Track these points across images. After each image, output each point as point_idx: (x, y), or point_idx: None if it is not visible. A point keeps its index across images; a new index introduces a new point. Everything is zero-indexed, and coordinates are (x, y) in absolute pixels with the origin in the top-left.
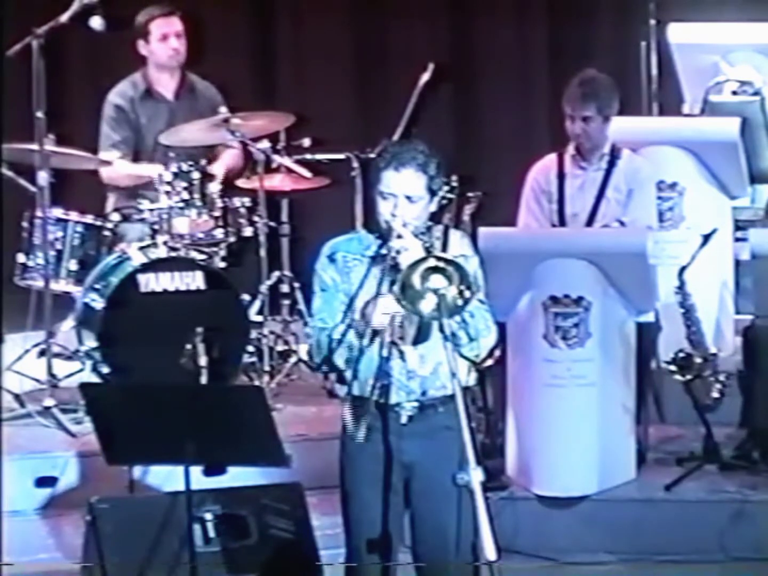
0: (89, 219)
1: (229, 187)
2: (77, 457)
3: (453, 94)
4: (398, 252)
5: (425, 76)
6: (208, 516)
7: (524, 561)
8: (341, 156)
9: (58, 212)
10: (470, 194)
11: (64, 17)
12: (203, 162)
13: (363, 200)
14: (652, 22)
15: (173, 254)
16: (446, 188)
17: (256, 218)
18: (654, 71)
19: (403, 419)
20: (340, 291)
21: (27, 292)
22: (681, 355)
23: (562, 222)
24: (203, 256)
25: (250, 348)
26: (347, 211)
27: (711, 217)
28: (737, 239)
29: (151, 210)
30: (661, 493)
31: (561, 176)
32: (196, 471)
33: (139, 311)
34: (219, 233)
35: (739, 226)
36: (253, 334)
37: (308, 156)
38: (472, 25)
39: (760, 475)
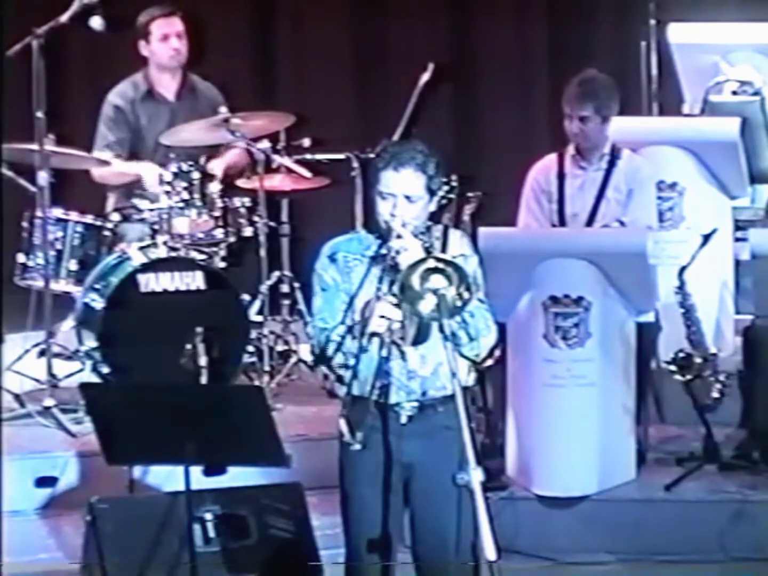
0: (89, 219)
1: (229, 187)
2: (77, 457)
3: (453, 94)
4: (398, 252)
5: (425, 76)
6: (208, 516)
7: (524, 561)
8: (341, 156)
9: (58, 212)
10: (470, 194)
11: (64, 17)
12: (203, 161)
13: (363, 200)
14: (652, 22)
15: (173, 254)
16: (446, 188)
17: (256, 218)
18: (654, 71)
19: (403, 419)
20: (341, 291)
21: (27, 292)
22: (681, 355)
23: (562, 222)
24: (203, 256)
25: (250, 348)
26: (347, 211)
27: (711, 217)
28: (737, 239)
29: (151, 210)
30: (661, 493)
31: (561, 176)
32: (196, 471)
33: (139, 311)
34: (219, 233)
35: (739, 226)
36: (253, 334)
37: (308, 156)
38: (472, 25)
39: (760, 475)
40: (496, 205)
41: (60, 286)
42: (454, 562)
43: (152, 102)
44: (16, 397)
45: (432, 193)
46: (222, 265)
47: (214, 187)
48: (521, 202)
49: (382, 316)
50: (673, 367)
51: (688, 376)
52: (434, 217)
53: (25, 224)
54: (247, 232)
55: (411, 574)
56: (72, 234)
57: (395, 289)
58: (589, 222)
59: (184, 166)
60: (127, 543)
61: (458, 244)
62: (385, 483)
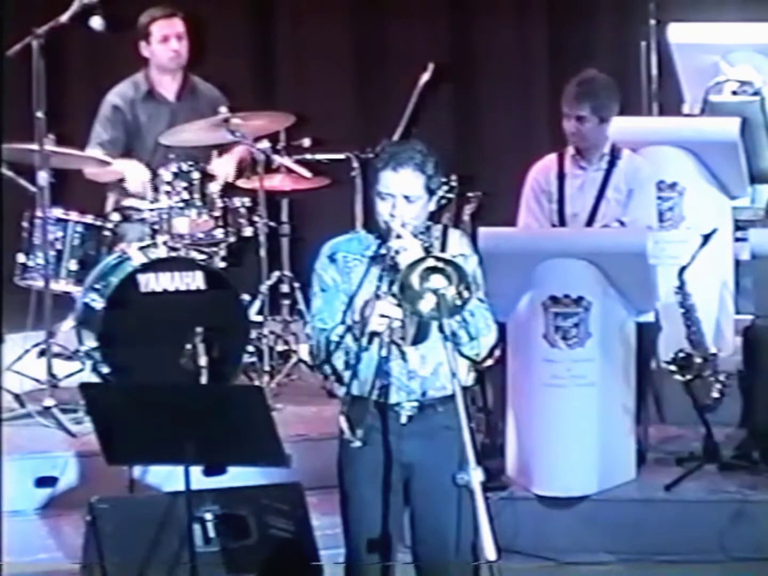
0: (89, 219)
1: (229, 187)
2: (77, 457)
3: (453, 94)
4: (397, 252)
5: (425, 76)
6: (208, 516)
7: (524, 561)
8: (341, 156)
9: (58, 212)
10: (470, 194)
11: (64, 17)
12: (215, 155)
13: (363, 200)
14: (652, 22)
15: (173, 254)
16: (445, 188)
17: (256, 218)
18: (654, 71)
19: (403, 419)
20: (341, 291)
21: (27, 292)
22: (681, 355)
23: (562, 222)
24: (203, 256)
25: (250, 348)
26: (347, 211)
27: (711, 217)
28: (737, 239)
29: (151, 210)
30: (661, 493)
31: (561, 176)
32: (196, 471)
33: (139, 311)
34: (219, 233)
35: (739, 226)
36: (253, 334)
37: (308, 156)
38: (472, 25)
39: (760, 475)
40: (496, 205)
41: (60, 286)
42: (454, 562)
43: (153, 102)
44: (16, 397)
45: (431, 192)
46: (222, 265)
47: (214, 187)
48: (521, 202)
49: (382, 315)
50: (673, 367)
51: (688, 376)
52: (434, 217)
53: (25, 224)
54: (247, 232)
55: (411, 574)
56: (72, 234)
57: (395, 288)
58: (589, 222)
59: (184, 166)
60: (127, 543)
61: (458, 243)
62: (384, 483)
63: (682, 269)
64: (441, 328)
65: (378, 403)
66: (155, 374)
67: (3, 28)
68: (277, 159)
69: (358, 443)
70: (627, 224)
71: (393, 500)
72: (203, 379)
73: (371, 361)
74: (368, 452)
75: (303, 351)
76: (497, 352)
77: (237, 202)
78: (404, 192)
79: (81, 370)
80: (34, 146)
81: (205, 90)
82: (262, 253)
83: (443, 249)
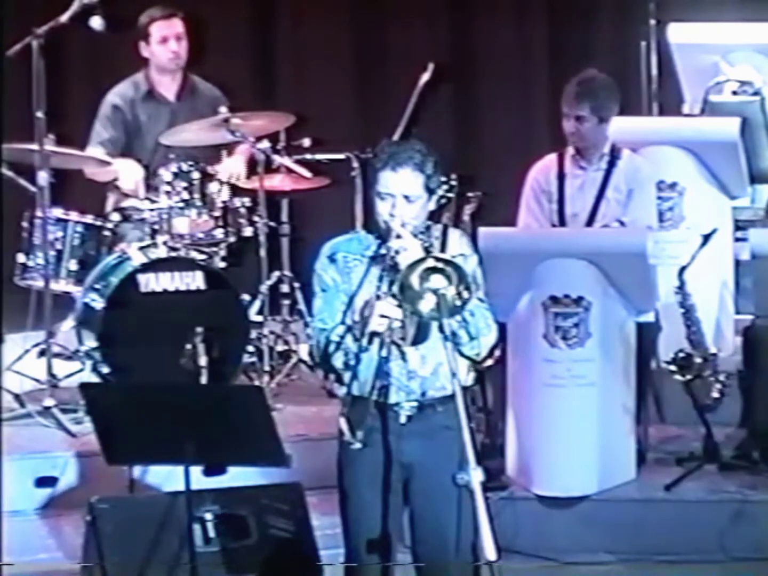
0: (89, 219)
1: (235, 187)
2: (77, 457)
3: (453, 94)
4: (397, 252)
5: (425, 76)
6: (208, 516)
7: (524, 561)
8: (341, 156)
9: (58, 212)
10: (470, 194)
11: (64, 17)
12: (224, 155)
13: (363, 200)
14: (652, 22)
15: (173, 254)
16: (445, 187)
17: (256, 218)
18: (654, 71)
19: (402, 419)
20: (341, 291)
21: (27, 292)
22: (681, 355)
23: (562, 222)
24: (203, 256)
25: (250, 348)
26: (347, 211)
27: (711, 217)
28: (737, 239)
29: (151, 210)
30: (661, 493)
31: (561, 176)
32: (196, 471)
33: (139, 311)
34: (219, 233)
35: (739, 226)
36: (253, 334)
37: (308, 156)
38: (472, 25)
39: (760, 475)
40: (496, 205)
41: (60, 286)
42: (454, 562)
43: (153, 102)
44: (16, 397)
45: (431, 192)
46: (222, 265)
47: (214, 187)
48: (521, 202)
49: (382, 315)
50: (673, 367)
51: (688, 376)
52: (434, 217)
53: (25, 224)
54: (247, 232)
55: (411, 574)
56: (72, 234)
57: (395, 289)
58: (589, 222)
59: (184, 166)
60: (127, 543)
61: (458, 243)
62: (384, 483)
63: (682, 269)
64: (441, 329)
65: (378, 403)
66: (155, 374)
67: (3, 28)
68: (277, 159)
69: (358, 445)
70: (627, 224)
71: (393, 500)
72: (203, 379)
73: (371, 361)
74: (368, 453)
75: (303, 351)
76: (497, 352)
77: (237, 202)
78: (404, 192)
79: (81, 370)
80: (34, 146)
81: (205, 90)
82: (262, 253)
83: (443, 249)
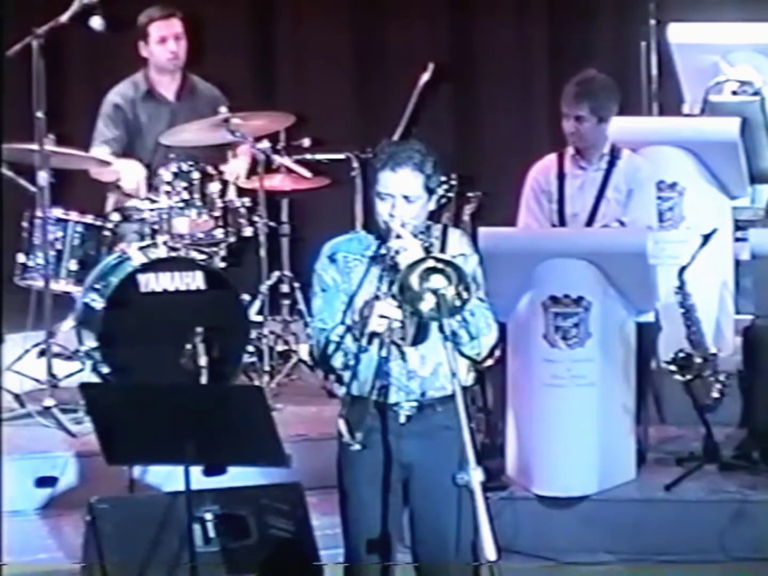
0: (89, 219)
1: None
2: (77, 457)
3: (453, 94)
4: (397, 252)
5: (425, 76)
6: (208, 516)
7: (524, 561)
8: (341, 156)
9: (58, 212)
10: (470, 194)
11: (64, 17)
12: (230, 155)
13: (363, 200)
14: (652, 22)
15: (173, 254)
16: (445, 186)
17: (256, 218)
18: (654, 71)
19: (402, 419)
20: (341, 291)
21: (27, 292)
22: (681, 355)
23: (562, 222)
24: (203, 256)
25: (250, 348)
26: (347, 211)
27: (711, 217)
28: (737, 239)
29: (151, 210)
30: (661, 493)
31: (561, 176)
32: (196, 471)
33: (139, 311)
34: (219, 233)
35: (739, 226)
36: (253, 334)
37: (308, 156)
38: (472, 25)
39: (760, 475)
40: (496, 205)
41: (60, 286)
42: (454, 562)
43: (152, 102)
44: (16, 397)
45: (430, 192)
46: (222, 265)
47: (215, 187)
48: (521, 202)
49: (382, 316)
50: (673, 367)
51: (688, 376)
52: (434, 216)
53: (25, 224)
54: (247, 232)
55: (411, 574)
56: (72, 234)
57: (395, 289)
58: (589, 222)
59: (184, 166)
60: (127, 543)
61: (458, 243)
62: (384, 483)
63: (682, 269)
64: (441, 329)
65: (377, 403)
66: (155, 374)
67: (3, 28)
68: (277, 159)
69: (357, 446)
70: (627, 224)
71: (392, 500)
72: (203, 379)
73: (371, 361)
74: (368, 453)
75: (303, 351)
76: (497, 352)
77: (237, 202)
78: (403, 192)
79: (81, 370)
80: (34, 146)
81: (205, 90)
82: (262, 253)
83: (443, 248)
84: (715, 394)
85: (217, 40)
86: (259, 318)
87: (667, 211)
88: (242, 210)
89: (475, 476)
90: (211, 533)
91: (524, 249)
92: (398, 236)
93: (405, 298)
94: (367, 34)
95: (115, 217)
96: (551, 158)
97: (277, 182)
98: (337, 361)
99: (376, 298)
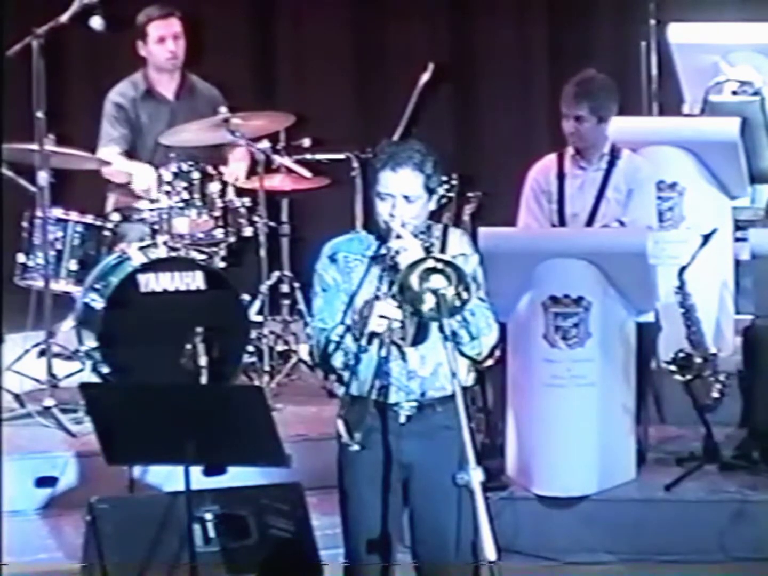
0: (89, 219)
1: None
2: (77, 457)
3: (453, 94)
4: (397, 252)
5: (425, 76)
6: (208, 516)
7: (524, 561)
8: (341, 156)
9: (58, 212)
10: (470, 194)
11: (64, 17)
12: (230, 158)
13: (363, 200)
14: (652, 22)
15: (173, 254)
16: (445, 186)
17: (256, 218)
18: (654, 71)
19: (402, 419)
20: (341, 291)
21: (27, 292)
22: (681, 355)
23: (562, 222)
24: (203, 256)
25: (250, 348)
26: (347, 211)
27: (711, 217)
28: (737, 239)
29: (151, 210)
30: (661, 493)
31: (561, 176)
32: (196, 471)
33: (139, 311)
34: (219, 233)
35: (739, 226)
36: (253, 334)
37: (308, 156)
38: (472, 25)
39: (760, 475)
40: (496, 205)
41: (60, 286)
42: (454, 562)
43: (152, 101)
44: (16, 397)
45: (431, 192)
46: (222, 265)
47: (214, 187)
48: (521, 202)
49: (382, 316)
50: (673, 367)
51: (688, 376)
52: (434, 216)
53: (25, 224)
54: (247, 232)
55: (411, 574)
56: (72, 234)
57: (395, 289)
58: (589, 222)
59: (184, 166)
60: (127, 543)
61: (458, 243)
62: (384, 483)
63: (682, 269)
64: (441, 329)
65: (377, 403)
66: (155, 374)
67: (3, 28)
68: (277, 159)
69: (356, 447)
70: (627, 224)
71: (392, 500)
72: (203, 379)
73: (371, 361)
74: (368, 453)
75: (303, 351)
76: (497, 352)
77: (237, 202)
78: (404, 192)
79: (81, 370)
80: (34, 146)
81: (204, 89)
82: (262, 253)
83: (444, 248)
84: (715, 394)
85: (216, 39)
86: (259, 318)
87: (667, 211)
88: (242, 210)
89: (475, 476)
90: (211, 533)
91: (524, 249)
92: (398, 236)
93: (405, 298)
94: (367, 34)
95: (115, 217)
96: (551, 158)
97: (277, 182)
98: (338, 360)
99: (376, 298)
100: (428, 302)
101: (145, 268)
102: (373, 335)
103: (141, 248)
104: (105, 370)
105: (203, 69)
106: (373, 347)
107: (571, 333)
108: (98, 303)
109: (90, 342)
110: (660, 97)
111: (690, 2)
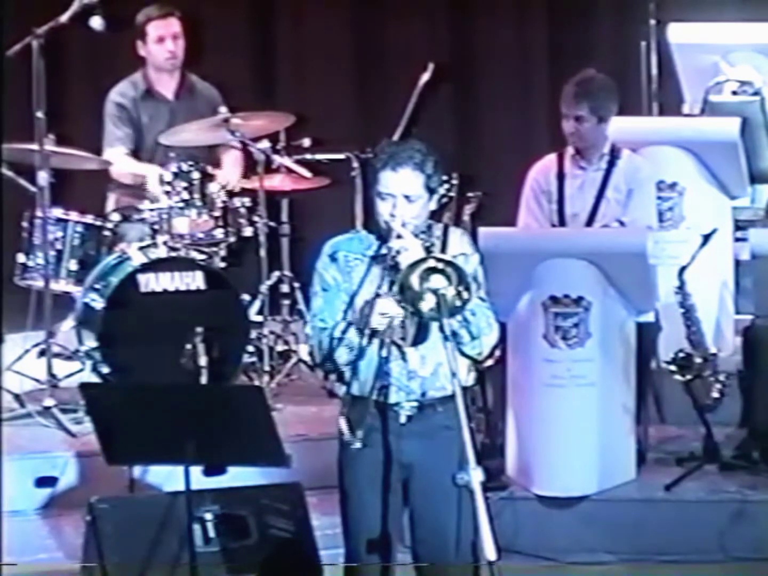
0: (89, 219)
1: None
2: (77, 457)
3: (453, 94)
4: (398, 252)
5: (425, 76)
6: (208, 516)
7: (524, 561)
8: (341, 156)
9: (58, 212)
10: (470, 194)
11: (64, 17)
12: (227, 162)
13: (363, 200)
14: (652, 22)
15: (173, 254)
16: (446, 186)
17: (256, 218)
18: (654, 71)
19: (402, 419)
20: (342, 290)
21: (27, 292)
22: (681, 355)
23: (562, 222)
24: (203, 256)
25: (250, 348)
26: (347, 211)
27: (711, 217)
28: (737, 239)
29: (151, 210)
30: (661, 493)
31: (561, 176)
32: (196, 471)
33: (139, 311)
34: (219, 233)
35: (739, 226)
36: (253, 334)
37: (308, 156)
38: (472, 25)
39: (760, 475)
40: (496, 205)
41: (60, 286)
42: (454, 562)
43: (152, 101)
44: (16, 397)
45: (431, 191)
46: (222, 265)
47: (214, 187)
48: (521, 202)
49: (383, 314)
50: (673, 367)
51: (688, 376)
52: (435, 216)
53: (25, 224)
54: (247, 232)
55: (411, 574)
56: (72, 234)
57: (395, 289)
58: (589, 222)
59: (184, 166)
60: (127, 543)
61: (459, 242)
62: (384, 483)
63: (682, 269)
64: (441, 329)
65: (378, 403)
66: (155, 374)
67: (3, 28)
68: (277, 159)
69: (358, 444)
70: (627, 224)
71: (392, 500)
72: (203, 379)
73: (371, 361)
74: (368, 453)
75: (303, 351)
76: (497, 352)
77: (237, 202)
78: (404, 192)
79: (81, 370)
80: (34, 146)
81: (203, 89)
82: (262, 253)
83: (444, 248)
84: (715, 394)
85: (216, 39)
86: (259, 318)
87: (667, 211)
88: (242, 210)
89: (475, 476)
90: (211, 533)
91: (524, 249)
92: (399, 236)
93: (405, 298)
94: (367, 34)
95: (115, 217)
96: (551, 158)
97: (277, 182)
98: (342, 356)
99: (377, 295)
100: (429, 302)
101: (145, 268)
102: (373, 333)
103: (141, 248)
104: (105, 370)
105: (203, 69)
106: (374, 347)
107: (571, 333)
108: (98, 303)
109: (90, 342)
110: (660, 97)
111: (690, 2)
